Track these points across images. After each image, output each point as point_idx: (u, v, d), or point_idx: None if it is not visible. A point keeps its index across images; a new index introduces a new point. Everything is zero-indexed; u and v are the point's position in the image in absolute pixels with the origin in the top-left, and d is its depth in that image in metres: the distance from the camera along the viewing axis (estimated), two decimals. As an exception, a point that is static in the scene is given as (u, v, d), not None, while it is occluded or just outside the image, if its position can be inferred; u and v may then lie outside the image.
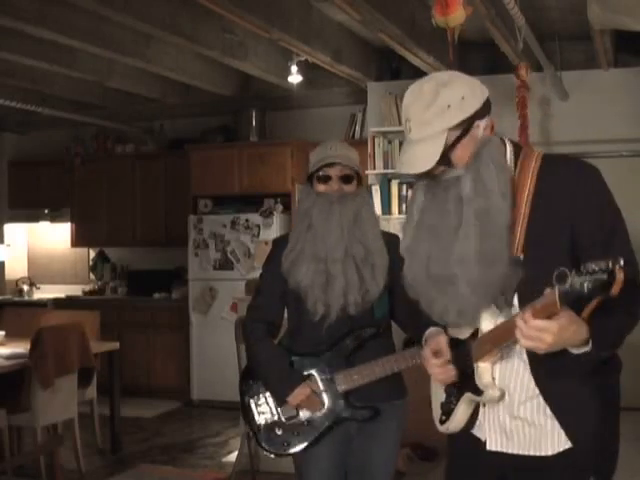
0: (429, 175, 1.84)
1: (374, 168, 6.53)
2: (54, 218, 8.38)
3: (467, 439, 2.00)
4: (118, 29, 5.24)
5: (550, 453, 1.86)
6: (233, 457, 5.16)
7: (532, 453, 1.88)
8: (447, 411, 2.00)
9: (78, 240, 8.29)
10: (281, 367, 2.68)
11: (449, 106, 1.77)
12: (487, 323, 1.86)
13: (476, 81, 1.87)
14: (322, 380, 2.66)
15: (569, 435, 1.83)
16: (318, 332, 2.65)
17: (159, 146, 8.08)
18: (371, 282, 2.63)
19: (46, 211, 8.39)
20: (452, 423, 1.99)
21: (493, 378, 1.88)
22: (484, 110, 1.83)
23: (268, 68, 6.09)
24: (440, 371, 1.96)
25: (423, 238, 1.89)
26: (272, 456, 2.72)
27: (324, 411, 2.65)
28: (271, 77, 6.25)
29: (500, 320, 1.83)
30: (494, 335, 1.83)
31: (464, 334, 1.94)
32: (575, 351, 1.71)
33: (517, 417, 1.89)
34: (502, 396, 1.88)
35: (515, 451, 1.90)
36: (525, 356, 1.85)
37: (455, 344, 1.96)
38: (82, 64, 5.95)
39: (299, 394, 2.63)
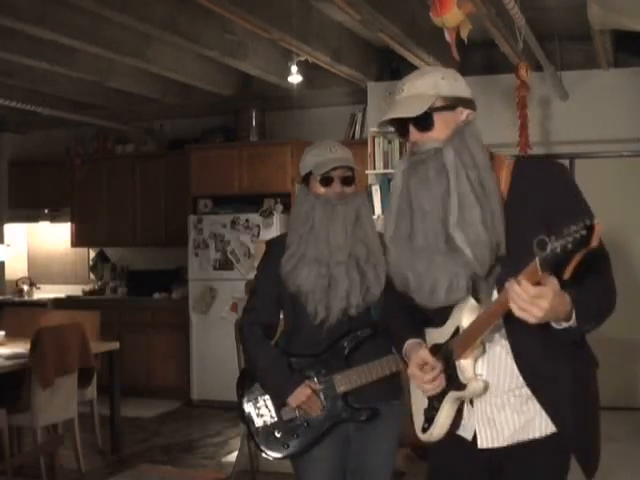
0: (409, 149, 1.94)
1: (374, 168, 6.52)
2: (54, 218, 8.38)
3: (451, 441, 2.00)
4: (118, 29, 5.23)
5: (538, 436, 1.90)
6: (233, 457, 5.16)
7: (521, 439, 1.91)
8: (430, 417, 1.99)
9: (78, 240, 8.29)
10: (281, 368, 2.67)
11: (443, 78, 1.94)
12: (468, 319, 1.87)
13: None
14: (321, 381, 2.65)
15: (554, 421, 1.87)
16: (316, 334, 2.65)
17: (159, 146, 8.09)
18: (375, 282, 2.63)
19: (46, 211, 8.40)
20: (435, 428, 1.98)
21: (475, 373, 1.89)
22: (470, 104, 1.96)
23: (268, 68, 6.09)
24: (432, 386, 1.95)
25: (403, 217, 1.92)
26: (271, 459, 2.71)
27: (323, 412, 2.64)
28: (271, 77, 6.26)
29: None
30: (476, 325, 1.84)
31: (444, 337, 1.95)
32: (558, 326, 1.74)
33: (505, 407, 1.91)
34: (486, 388, 1.89)
35: (505, 443, 1.92)
36: (506, 342, 1.88)
37: (436, 350, 1.97)
38: (82, 64, 5.95)
39: (300, 395, 2.62)
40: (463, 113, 1.94)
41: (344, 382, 2.63)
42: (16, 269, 8.61)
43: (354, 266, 2.62)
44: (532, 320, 1.66)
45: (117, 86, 6.59)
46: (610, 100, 6.10)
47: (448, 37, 3.91)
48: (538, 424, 1.90)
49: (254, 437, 2.73)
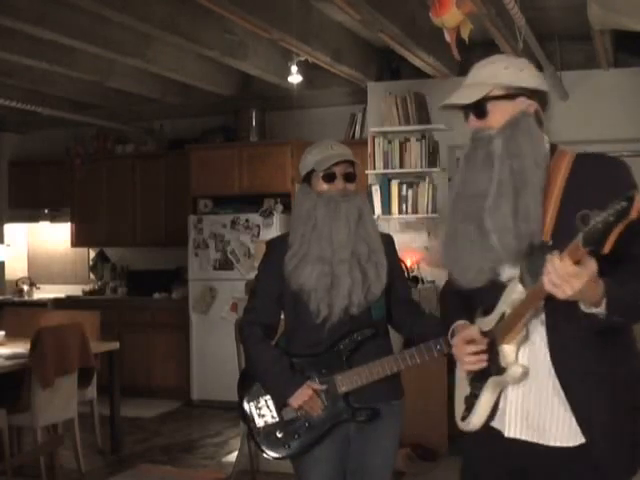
0: (471, 135, 2.00)
1: (374, 168, 6.52)
2: (54, 218, 8.38)
3: (485, 431, 2.00)
4: (118, 29, 5.23)
5: (571, 444, 1.87)
6: (233, 457, 5.16)
7: (552, 444, 1.89)
8: (470, 405, 2.00)
9: (78, 240, 8.29)
10: (282, 369, 2.66)
11: (506, 68, 1.98)
12: (513, 305, 1.89)
13: (543, 76, 2.05)
14: (322, 381, 2.65)
15: (583, 429, 1.84)
16: (317, 333, 2.64)
17: (159, 146, 8.09)
18: (375, 281, 2.63)
19: (46, 211, 8.40)
20: (474, 416, 1.98)
21: (517, 358, 1.90)
22: (535, 95, 1.99)
23: (268, 68, 6.09)
24: (474, 359, 1.97)
25: (458, 200, 2.00)
26: (272, 459, 2.71)
27: (324, 413, 2.64)
28: (271, 77, 6.25)
29: None
30: (518, 309, 1.86)
31: (490, 325, 1.96)
32: (585, 309, 1.73)
33: (542, 403, 1.89)
34: (525, 373, 1.89)
35: (536, 439, 1.90)
36: (544, 333, 1.88)
37: (483, 337, 1.99)
38: (82, 64, 5.95)
39: (301, 395, 2.61)
40: (524, 103, 1.97)
41: (345, 382, 2.63)
42: (16, 269, 8.61)
43: (356, 264, 2.62)
44: (560, 295, 1.67)
45: (117, 86, 6.59)
46: (610, 100, 6.10)
47: (448, 37, 3.91)
48: (575, 431, 1.85)
49: (255, 437, 2.73)
